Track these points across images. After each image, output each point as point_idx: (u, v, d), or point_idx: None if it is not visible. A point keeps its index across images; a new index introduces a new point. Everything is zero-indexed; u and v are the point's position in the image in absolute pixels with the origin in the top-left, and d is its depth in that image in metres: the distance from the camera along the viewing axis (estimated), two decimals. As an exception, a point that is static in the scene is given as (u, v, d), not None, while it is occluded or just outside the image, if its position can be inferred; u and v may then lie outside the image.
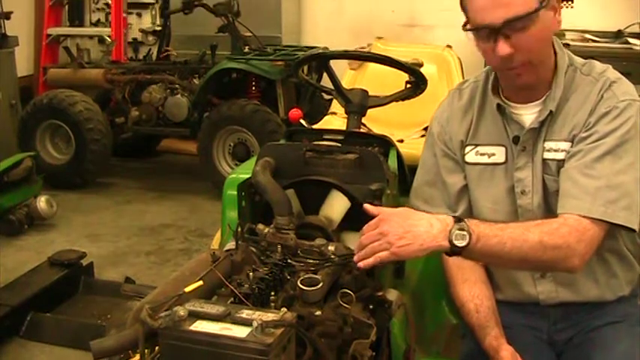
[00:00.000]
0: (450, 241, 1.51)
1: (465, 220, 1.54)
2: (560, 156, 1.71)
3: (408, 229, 1.50)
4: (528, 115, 1.76)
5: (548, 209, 1.73)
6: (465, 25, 1.67)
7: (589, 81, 1.72)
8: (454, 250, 1.52)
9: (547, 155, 1.73)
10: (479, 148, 1.83)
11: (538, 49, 1.66)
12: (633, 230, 1.66)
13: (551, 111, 1.71)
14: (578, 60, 1.78)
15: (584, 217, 1.59)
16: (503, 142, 1.80)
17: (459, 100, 1.90)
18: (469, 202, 1.87)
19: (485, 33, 1.62)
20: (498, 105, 1.78)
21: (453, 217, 1.55)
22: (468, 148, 1.84)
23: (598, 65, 1.76)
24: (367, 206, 1.61)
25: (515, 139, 1.76)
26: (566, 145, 1.71)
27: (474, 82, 1.89)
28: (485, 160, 1.81)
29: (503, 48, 1.60)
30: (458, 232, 1.51)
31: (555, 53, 1.74)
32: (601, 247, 1.68)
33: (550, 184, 1.73)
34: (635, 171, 1.64)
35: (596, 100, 1.69)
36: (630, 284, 1.84)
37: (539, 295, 1.82)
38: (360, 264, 1.54)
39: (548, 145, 1.73)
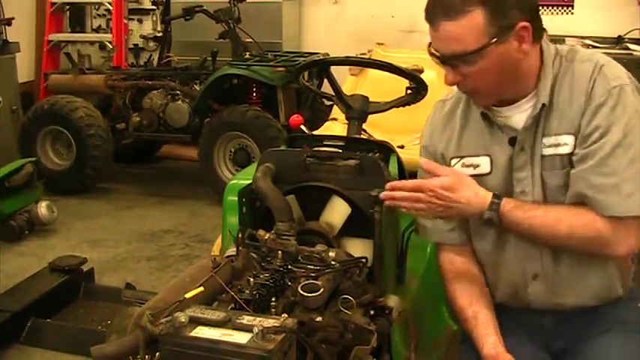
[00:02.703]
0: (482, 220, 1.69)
1: (502, 202, 1.67)
2: (565, 150, 1.68)
3: (451, 204, 1.69)
4: (519, 114, 1.73)
5: None
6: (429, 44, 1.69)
7: (574, 66, 1.69)
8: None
9: (547, 151, 1.70)
10: (464, 160, 1.81)
11: (489, 80, 1.65)
12: None
13: (544, 104, 1.68)
14: (563, 48, 1.75)
15: (609, 216, 1.62)
16: (487, 152, 1.77)
17: (440, 111, 1.89)
18: None
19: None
20: (483, 113, 1.77)
21: (492, 197, 1.68)
22: (453, 161, 1.82)
23: (582, 50, 1.74)
24: (423, 161, 1.80)
25: (512, 140, 1.73)
26: (569, 139, 1.67)
27: (458, 93, 1.86)
28: (471, 171, 1.78)
29: (448, 77, 1.67)
30: (488, 216, 1.67)
31: (542, 50, 1.70)
32: None
33: (549, 181, 1.70)
34: None
35: (588, 86, 1.65)
36: (624, 285, 1.82)
37: (529, 296, 1.80)
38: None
39: (547, 140, 1.70)
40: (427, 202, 1.68)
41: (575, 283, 1.76)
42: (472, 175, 1.77)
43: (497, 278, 1.85)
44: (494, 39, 1.58)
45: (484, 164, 1.78)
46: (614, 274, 1.79)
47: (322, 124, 4.21)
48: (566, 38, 5.29)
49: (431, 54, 1.68)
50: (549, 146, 1.70)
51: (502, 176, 1.76)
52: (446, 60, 1.64)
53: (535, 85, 1.70)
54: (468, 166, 1.80)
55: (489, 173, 1.77)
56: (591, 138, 1.63)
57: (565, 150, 1.68)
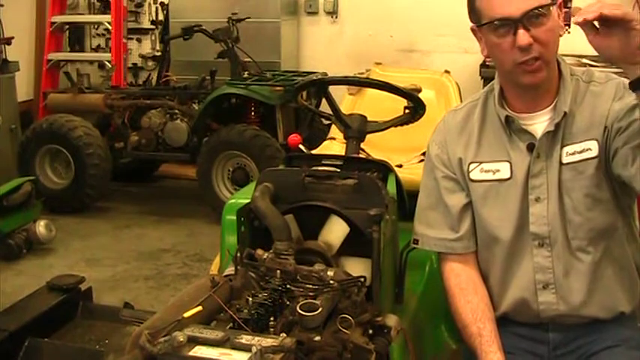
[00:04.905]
0: None
1: None
2: (590, 154, 1.74)
3: None
4: (539, 124, 1.78)
5: (563, 215, 1.76)
6: (476, 22, 1.73)
7: (593, 87, 1.78)
8: None
9: (569, 159, 1.75)
10: (483, 165, 1.84)
11: (552, 44, 1.71)
12: None
13: (565, 112, 1.74)
14: (577, 69, 1.85)
15: None
16: (507, 158, 1.81)
17: (453, 119, 1.93)
18: (472, 221, 1.88)
19: (502, 27, 1.67)
20: (507, 117, 1.80)
21: None
22: (472, 166, 1.85)
23: (597, 72, 1.83)
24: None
25: (530, 146, 1.78)
26: (593, 144, 1.73)
27: (471, 102, 1.92)
28: (490, 176, 1.83)
29: (524, 37, 1.65)
30: None
31: (557, 61, 1.79)
32: (606, 258, 1.74)
33: (571, 186, 1.75)
34: None
35: (616, 94, 1.74)
36: (632, 302, 1.84)
37: (539, 306, 1.81)
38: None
39: (570, 149, 1.75)
40: None
41: (584, 294, 1.78)
42: (492, 180, 1.82)
43: (505, 288, 1.86)
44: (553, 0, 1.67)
45: (504, 170, 1.82)
46: (623, 288, 1.81)
47: (320, 144, 4.20)
48: (563, 57, 5.31)
49: (487, 24, 1.69)
50: (572, 154, 1.75)
51: (522, 182, 1.79)
52: (524, 17, 1.64)
53: (554, 96, 1.77)
54: (487, 171, 1.84)
55: (509, 178, 1.81)
56: (629, 124, 1.66)
57: (591, 154, 1.74)
